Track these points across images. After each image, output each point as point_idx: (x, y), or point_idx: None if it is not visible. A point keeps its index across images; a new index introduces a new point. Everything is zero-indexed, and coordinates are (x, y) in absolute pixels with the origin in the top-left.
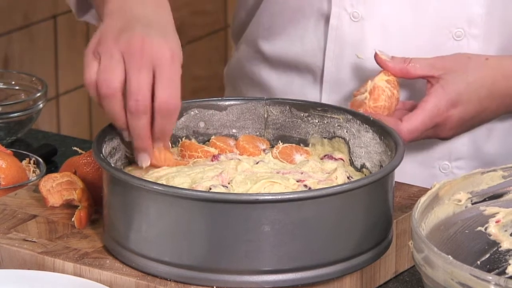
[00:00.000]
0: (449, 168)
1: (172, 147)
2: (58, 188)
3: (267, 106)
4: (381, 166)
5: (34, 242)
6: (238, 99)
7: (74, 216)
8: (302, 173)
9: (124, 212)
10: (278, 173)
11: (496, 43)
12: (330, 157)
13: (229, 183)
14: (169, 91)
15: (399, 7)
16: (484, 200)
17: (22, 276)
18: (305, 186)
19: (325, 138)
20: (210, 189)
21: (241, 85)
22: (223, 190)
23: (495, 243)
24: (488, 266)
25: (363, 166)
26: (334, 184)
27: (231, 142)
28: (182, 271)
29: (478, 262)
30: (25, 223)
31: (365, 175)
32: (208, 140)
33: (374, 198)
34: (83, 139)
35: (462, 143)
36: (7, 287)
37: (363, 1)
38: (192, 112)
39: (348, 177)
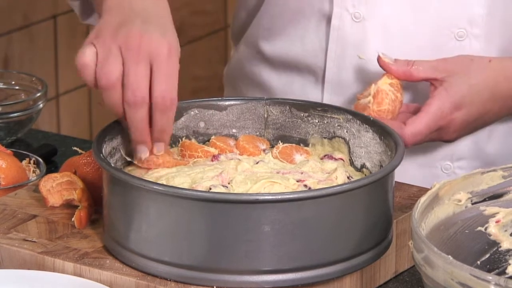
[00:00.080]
0: (451, 168)
1: (172, 147)
2: (58, 188)
3: (267, 106)
4: (381, 166)
5: (34, 242)
6: (238, 99)
7: (74, 216)
8: (302, 173)
9: (124, 212)
10: (278, 173)
11: (497, 43)
12: (330, 157)
13: (229, 183)
14: (166, 85)
15: (400, 7)
16: (484, 200)
17: (22, 276)
18: (305, 186)
19: (325, 138)
20: (210, 189)
21: (241, 85)
22: (223, 190)
23: (495, 243)
24: (488, 266)
25: (363, 166)
26: (334, 184)
27: (231, 142)
28: (182, 271)
29: (478, 262)
30: (25, 223)
31: (365, 175)
32: (208, 140)
33: (374, 198)
34: (83, 139)
35: (463, 144)
36: (7, 287)
37: (365, 1)
38: (192, 112)
39: (348, 177)
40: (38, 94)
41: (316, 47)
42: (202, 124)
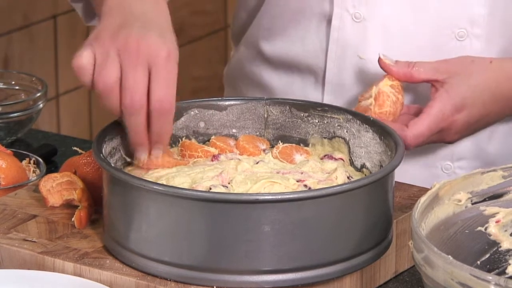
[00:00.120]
0: (451, 168)
1: (172, 147)
2: (58, 188)
3: (267, 106)
4: (381, 166)
5: (34, 242)
6: (238, 99)
7: (74, 216)
8: (302, 173)
9: (124, 212)
10: (278, 173)
11: (498, 43)
12: (330, 157)
13: (229, 183)
14: (165, 90)
15: (400, 7)
16: (484, 200)
17: (22, 276)
18: (305, 186)
19: (325, 138)
20: (210, 189)
21: (241, 85)
22: (223, 190)
23: (495, 243)
24: (488, 266)
25: (363, 166)
26: (334, 184)
27: (231, 142)
28: (182, 271)
29: (478, 262)
30: (25, 223)
31: (365, 175)
32: (208, 140)
33: (374, 198)
34: (83, 139)
35: (464, 144)
36: (7, 287)
37: (365, 2)
38: (192, 112)
39: (348, 177)
40: (38, 94)
41: (317, 47)
42: (202, 124)
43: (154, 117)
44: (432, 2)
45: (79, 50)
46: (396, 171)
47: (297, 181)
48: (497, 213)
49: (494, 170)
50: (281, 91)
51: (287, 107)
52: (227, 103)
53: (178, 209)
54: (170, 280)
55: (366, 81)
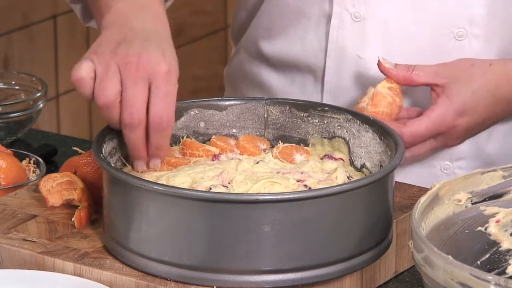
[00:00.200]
0: (450, 168)
1: (172, 146)
2: (58, 188)
3: (267, 106)
4: (381, 166)
5: (34, 242)
6: (238, 99)
7: (74, 216)
8: (302, 173)
9: (124, 212)
10: (278, 173)
11: (497, 43)
12: (330, 157)
13: (229, 183)
14: (163, 105)
15: (400, 7)
16: (484, 200)
17: (22, 276)
18: (305, 186)
19: (325, 138)
20: (210, 189)
21: (241, 85)
22: (223, 190)
23: (495, 243)
24: (488, 266)
25: (363, 166)
26: (334, 184)
27: (232, 141)
28: (182, 271)
29: (478, 262)
30: (25, 223)
31: (365, 175)
32: (209, 140)
33: (374, 198)
34: (83, 139)
35: (463, 144)
36: (7, 287)
37: (364, 1)
38: (192, 112)
39: (348, 177)
40: (38, 94)
41: (316, 47)
42: (202, 124)
43: (153, 131)
44: (432, 2)
45: (78, 63)
46: (397, 171)
47: (297, 181)
48: (497, 213)
49: (494, 170)
50: (280, 91)
51: (287, 107)
52: (227, 103)
53: (178, 209)
54: (170, 280)
55: (366, 80)
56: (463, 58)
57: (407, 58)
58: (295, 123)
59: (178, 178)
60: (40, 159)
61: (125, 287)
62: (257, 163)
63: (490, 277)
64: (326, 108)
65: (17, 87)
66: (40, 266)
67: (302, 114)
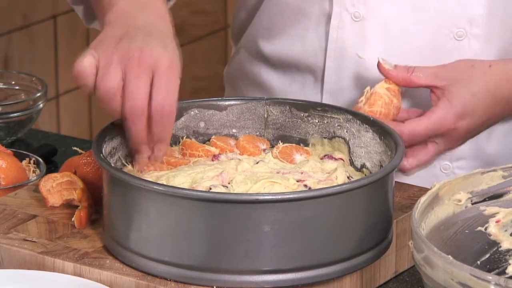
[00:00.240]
0: (450, 168)
1: (172, 146)
2: (58, 188)
3: (267, 106)
4: (381, 166)
5: (34, 242)
6: (238, 99)
7: (74, 216)
8: (302, 173)
9: (124, 212)
10: (278, 173)
11: (497, 43)
12: (330, 157)
13: (229, 183)
14: (165, 96)
15: (400, 7)
16: (484, 200)
17: (22, 276)
18: (305, 186)
19: (325, 138)
20: (210, 189)
21: (241, 85)
22: (223, 190)
23: (495, 243)
24: (488, 266)
25: (363, 166)
26: (334, 184)
27: (232, 142)
28: (182, 271)
29: (478, 262)
30: (25, 223)
31: (365, 175)
32: (208, 140)
33: (374, 198)
34: (83, 139)
35: (463, 144)
36: (7, 287)
37: (364, 1)
38: (192, 112)
39: (348, 177)
40: (38, 94)
41: (316, 46)
42: (202, 124)
43: (155, 120)
44: (431, 2)
45: (81, 56)
46: (396, 171)
47: (297, 181)
48: (497, 213)
49: (494, 170)
50: (280, 91)
51: (287, 107)
52: (227, 103)
53: (178, 209)
54: (170, 280)
55: (365, 80)
56: (462, 59)
57: (406, 58)
58: (295, 123)
59: (178, 178)
60: (40, 159)
61: (125, 287)
62: (257, 163)
63: (490, 277)
64: (326, 108)
65: (17, 87)
66: (40, 266)
67: (302, 114)
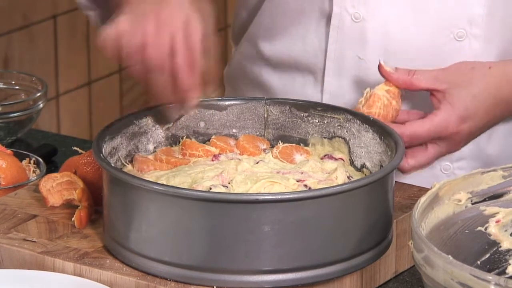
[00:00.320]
0: (450, 169)
1: (172, 146)
2: (58, 188)
3: (267, 106)
4: (381, 166)
5: (34, 242)
6: (238, 99)
7: (74, 216)
8: (302, 173)
9: (124, 212)
10: (278, 173)
11: (497, 43)
12: (330, 157)
13: (229, 183)
14: (188, 47)
15: (400, 8)
16: (484, 200)
17: (22, 276)
18: (305, 186)
19: (325, 138)
20: (210, 189)
21: (242, 85)
22: (223, 190)
23: (495, 243)
24: (488, 266)
25: (363, 166)
26: (334, 184)
27: (232, 142)
28: (182, 271)
29: (478, 262)
30: (25, 223)
31: (365, 175)
32: (208, 140)
33: (374, 198)
34: (83, 139)
35: None
36: (7, 287)
37: (364, 1)
38: (192, 112)
39: (348, 177)
40: (38, 94)
41: (316, 47)
42: (202, 124)
43: (180, 72)
44: (431, 2)
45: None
46: (396, 171)
47: (297, 181)
48: (497, 213)
49: (494, 170)
50: (281, 91)
51: (287, 107)
52: (227, 103)
53: (178, 209)
54: (170, 280)
55: (365, 81)
56: (463, 61)
57: (407, 59)
58: (295, 123)
59: (178, 178)
60: (40, 159)
61: (125, 287)
62: (257, 163)
63: (490, 277)
64: (326, 108)
65: (17, 87)
66: (40, 266)
67: (302, 114)
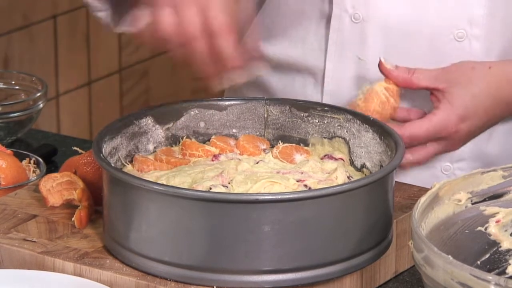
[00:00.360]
0: (450, 169)
1: (172, 146)
2: (58, 188)
3: (267, 106)
4: (381, 166)
5: (34, 242)
6: (238, 99)
7: (74, 216)
8: (302, 173)
9: (124, 212)
10: (278, 173)
11: (497, 43)
12: (330, 157)
13: (229, 183)
14: (218, 20)
15: (400, 8)
16: (484, 200)
17: (22, 276)
18: (305, 186)
19: (325, 138)
20: (210, 189)
21: (242, 85)
22: (223, 190)
23: (495, 243)
24: (488, 266)
25: (363, 166)
26: (334, 184)
27: (232, 142)
28: (182, 271)
29: (478, 262)
30: (25, 223)
31: (365, 175)
32: (209, 140)
33: (374, 198)
34: (83, 139)
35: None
36: (7, 287)
37: (364, 2)
38: (192, 112)
39: (348, 177)
40: (38, 94)
41: (316, 48)
42: (202, 124)
43: (216, 40)
44: (431, 3)
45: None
46: (396, 171)
47: (297, 181)
48: (497, 213)
49: (494, 170)
50: (281, 91)
51: (287, 107)
52: (227, 103)
53: (178, 209)
54: (170, 280)
55: (365, 82)
56: (464, 61)
57: (407, 59)
58: (295, 123)
59: (178, 178)
60: (40, 159)
61: (125, 287)
62: (257, 163)
63: (490, 277)
64: (326, 108)
65: (17, 87)
66: (40, 266)
67: (302, 114)
